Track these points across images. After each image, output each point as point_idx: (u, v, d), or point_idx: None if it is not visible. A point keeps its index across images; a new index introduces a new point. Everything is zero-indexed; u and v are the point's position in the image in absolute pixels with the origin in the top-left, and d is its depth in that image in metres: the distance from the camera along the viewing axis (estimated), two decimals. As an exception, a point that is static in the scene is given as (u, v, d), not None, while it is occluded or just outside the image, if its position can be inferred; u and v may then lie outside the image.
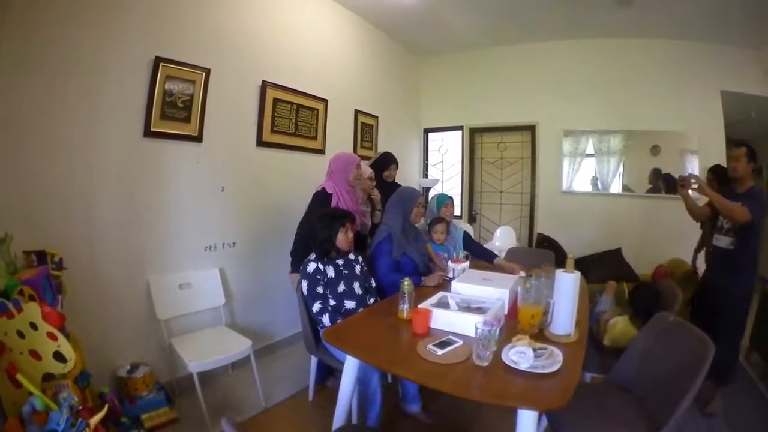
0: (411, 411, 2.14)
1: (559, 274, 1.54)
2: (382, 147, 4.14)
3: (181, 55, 2.29)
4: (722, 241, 2.30)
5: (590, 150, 4.07)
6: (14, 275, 1.36)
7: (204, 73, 2.41)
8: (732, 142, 3.02)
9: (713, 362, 1.25)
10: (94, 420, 1.20)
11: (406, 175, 4.70)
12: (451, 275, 2.31)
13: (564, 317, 1.53)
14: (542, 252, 3.21)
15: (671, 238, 3.65)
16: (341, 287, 1.99)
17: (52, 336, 1.28)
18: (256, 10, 2.76)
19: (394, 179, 3.24)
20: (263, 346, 2.85)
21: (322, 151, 3.36)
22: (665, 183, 3.79)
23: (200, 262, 2.53)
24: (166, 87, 2.22)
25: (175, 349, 2.10)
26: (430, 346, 1.44)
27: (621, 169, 3.99)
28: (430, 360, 1.36)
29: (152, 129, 2.18)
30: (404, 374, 1.40)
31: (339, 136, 3.59)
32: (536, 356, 1.29)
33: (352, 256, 2.11)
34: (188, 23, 2.35)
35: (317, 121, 3.30)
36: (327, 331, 1.65)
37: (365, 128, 3.93)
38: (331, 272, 1.98)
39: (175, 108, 2.28)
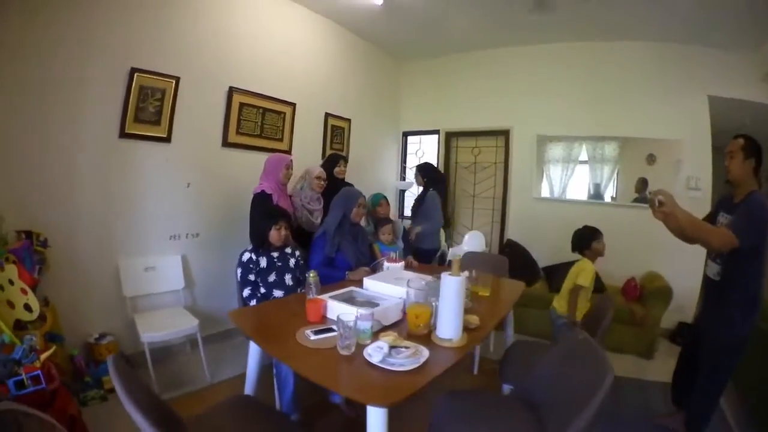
0: (333, 401, 2.32)
1: (444, 276, 1.58)
2: (355, 149, 4.63)
3: (154, 64, 2.74)
4: (710, 269, 1.94)
5: (584, 157, 4.27)
6: (4, 246, 1.82)
7: (174, 81, 2.86)
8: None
9: (687, 406, 1.25)
10: (44, 355, 1.64)
11: (382, 177, 5.17)
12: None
13: (447, 321, 1.57)
14: (497, 258, 3.45)
15: (651, 251, 3.79)
16: (272, 277, 2.32)
17: (23, 291, 1.74)
18: (224, 17, 3.19)
19: (344, 176, 3.61)
20: (221, 330, 3.23)
21: (288, 152, 3.81)
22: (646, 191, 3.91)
23: (165, 249, 2.99)
24: (140, 94, 2.68)
25: (136, 322, 2.56)
26: (308, 331, 1.60)
27: (615, 177, 4.18)
28: (301, 343, 1.53)
29: (126, 131, 2.65)
30: (275, 354, 1.54)
31: (307, 138, 4.05)
32: (396, 353, 1.38)
33: (288, 250, 2.46)
34: (162, 35, 2.81)
35: (284, 124, 3.75)
36: (233, 312, 1.90)
37: (336, 130, 4.38)
38: (263, 263, 2.32)
39: (147, 112, 2.74)
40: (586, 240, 2.70)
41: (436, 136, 5.17)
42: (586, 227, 2.77)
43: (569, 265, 3.50)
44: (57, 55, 2.32)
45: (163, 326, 2.57)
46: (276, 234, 2.35)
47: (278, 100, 3.66)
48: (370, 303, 1.91)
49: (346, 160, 3.64)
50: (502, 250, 4.27)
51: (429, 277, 2.09)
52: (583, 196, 4.35)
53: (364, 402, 1.20)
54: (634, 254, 3.87)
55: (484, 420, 1.56)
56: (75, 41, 2.39)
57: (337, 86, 4.37)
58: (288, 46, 3.76)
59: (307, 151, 4.01)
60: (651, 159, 4.00)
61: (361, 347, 1.46)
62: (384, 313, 1.75)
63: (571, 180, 4.38)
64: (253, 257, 2.32)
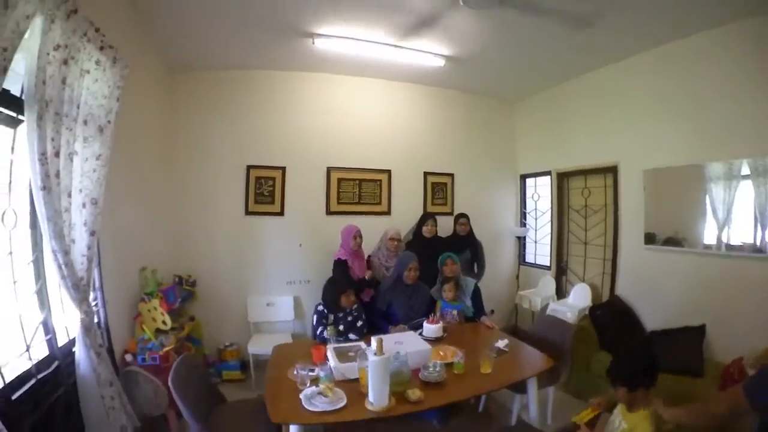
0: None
1: (369, 356, 1.96)
2: (462, 201, 4.98)
3: (265, 160, 4.22)
4: None
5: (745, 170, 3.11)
6: (159, 286, 3.42)
7: (281, 170, 4.27)
8: None
9: None
10: (165, 349, 2.99)
11: (498, 224, 5.22)
12: (419, 331, 2.98)
13: (371, 389, 1.97)
14: (562, 324, 3.24)
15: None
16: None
17: (162, 314, 3.21)
18: (320, 113, 4.38)
19: (435, 234, 4.12)
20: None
21: (387, 213, 4.64)
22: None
23: (282, 290, 4.31)
24: (256, 182, 4.18)
25: (252, 338, 3.90)
26: (298, 367, 2.26)
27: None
28: (287, 376, 2.27)
29: (249, 210, 4.18)
30: (269, 373, 2.40)
31: (407, 198, 4.75)
32: (319, 398, 1.97)
33: (351, 310, 3.11)
34: (269, 136, 4.26)
35: (380, 190, 4.62)
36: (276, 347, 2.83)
37: (437, 187, 4.89)
38: (331, 318, 3.04)
39: (263, 195, 4.21)
40: (649, 374, 1.80)
41: (549, 177, 4.84)
42: (650, 353, 2.10)
43: (676, 333, 3.12)
44: (201, 150, 4.08)
45: (266, 344, 3.70)
46: (345, 299, 3.06)
47: (372, 170, 4.58)
48: (356, 357, 2.32)
49: (434, 219, 4.14)
50: (593, 312, 3.62)
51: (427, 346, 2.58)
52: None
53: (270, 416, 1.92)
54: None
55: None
56: (209, 145, 4.11)
57: (436, 144, 4.90)
58: (379, 118, 4.65)
59: (406, 210, 4.66)
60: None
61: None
62: (345, 369, 2.25)
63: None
64: (325, 311, 3.07)
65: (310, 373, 2.23)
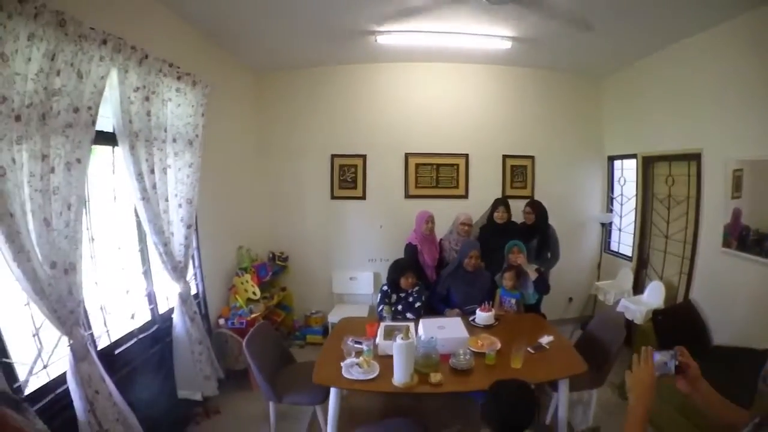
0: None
1: (397, 340, 2.27)
2: (543, 184, 4.78)
3: (346, 149, 4.61)
4: None
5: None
6: (253, 262, 4.13)
7: (362, 158, 4.61)
8: None
9: None
10: (253, 315, 3.69)
11: (582, 209, 4.91)
12: (472, 318, 3.15)
13: (395, 368, 2.29)
14: (616, 325, 3.03)
15: None
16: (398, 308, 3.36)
17: (253, 286, 3.91)
18: (398, 102, 4.56)
19: (507, 220, 3.99)
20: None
21: (465, 196, 4.68)
22: None
23: (364, 266, 4.76)
24: (340, 170, 4.60)
25: (334, 308, 4.48)
26: (350, 339, 2.66)
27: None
28: (340, 346, 2.63)
29: (335, 195, 4.65)
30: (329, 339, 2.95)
31: (485, 181, 4.70)
32: (356, 369, 2.36)
33: (412, 290, 3.35)
34: (350, 128, 4.60)
35: (458, 174, 4.66)
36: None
37: (516, 170, 4.71)
38: (393, 298, 3.36)
39: (346, 181, 4.63)
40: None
41: (634, 160, 4.26)
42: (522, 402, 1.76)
43: (739, 354, 2.78)
44: (290, 143, 4.63)
45: (344, 314, 4.18)
46: (404, 281, 3.33)
47: (450, 154, 4.63)
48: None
49: (506, 204, 4.02)
50: (655, 316, 3.24)
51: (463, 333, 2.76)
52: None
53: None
54: None
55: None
56: (299, 138, 4.62)
57: (515, 126, 4.69)
58: (455, 102, 4.63)
59: (484, 194, 4.56)
60: None
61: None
62: (385, 346, 2.56)
63: None
64: (388, 291, 3.38)
65: (356, 345, 2.61)
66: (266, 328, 3.06)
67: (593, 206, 4.94)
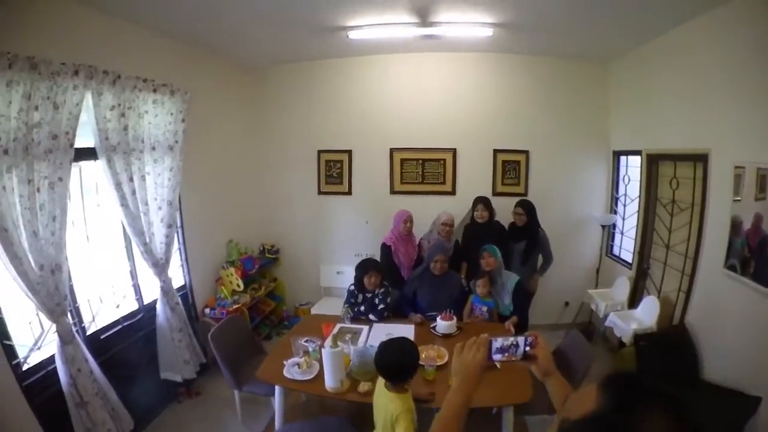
0: None
1: (326, 348, 2.44)
2: (539, 181, 4.81)
3: (333, 145, 4.94)
4: None
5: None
6: (241, 256, 4.56)
7: (348, 153, 4.94)
8: None
9: None
10: (236, 306, 4.15)
11: (582, 209, 4.85)
12: (434, 325, 3.21)
13: (327, 374, 2.44)
14: (587, 352, 2.88)
15: None
16: (361, 308, 3.50)
17: (237, 278, 4.35)
18: (382, 95, 4.76)
19: (487, 219, 4.09)
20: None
21: (452, 193, 4.91)
22: None
23: (351, 261, 5.06)
24: (326, 165, 4.95)
25: (319, 302, 4.90)
26: (302, 338, 2.88)
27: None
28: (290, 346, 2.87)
29: (321, 190, 5.03)
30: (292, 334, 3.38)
31: (474, 177, 4.84)
32: (296, 369, 2.61)
33: (377, 291, 3.49)
34: (335, 123, 4.90)
35: (444, 169, 4.89)
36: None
37: (508, 165, 4.84)
38: (360, 298, 3.54)
39: (332, 177, 4.98)
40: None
41: (639, 158, 4.17)
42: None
43: (722, 397, 2.66)
44: (277, 139, 5.02)
45: (327, 307, 4.66)
46: (368, 280, 3.47)
47: (435, 149, 4.86)
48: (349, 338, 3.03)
49: (485, 203, 4.10)
50: (637, 341, 3.27)
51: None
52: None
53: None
54: None
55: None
56: (286, 134, 5.00)
57: (508, 119, 4.71)
58: (440, 95, 4.72)
59: (473, 190, 4.58)
60: None
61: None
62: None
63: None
64: (355, 291, 3.58)
65: (304, 344, 2.88)
66: (236, 321, 3.47)
67: (595, 206, 4.84)
